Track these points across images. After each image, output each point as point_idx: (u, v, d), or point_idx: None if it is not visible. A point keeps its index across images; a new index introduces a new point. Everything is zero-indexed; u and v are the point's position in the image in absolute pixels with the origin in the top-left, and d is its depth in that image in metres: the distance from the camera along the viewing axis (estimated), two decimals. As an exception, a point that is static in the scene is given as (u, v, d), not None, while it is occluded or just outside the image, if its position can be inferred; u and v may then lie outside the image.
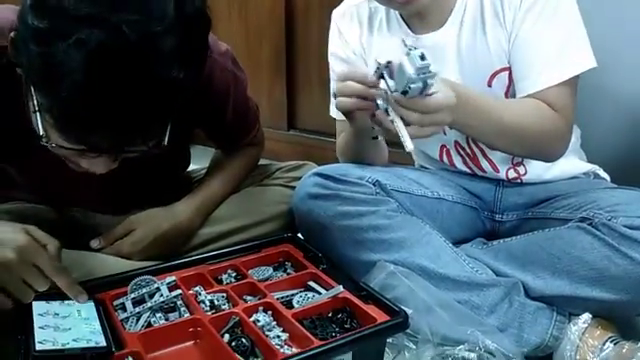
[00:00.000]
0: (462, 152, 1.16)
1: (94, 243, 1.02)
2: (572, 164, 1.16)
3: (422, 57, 0.79)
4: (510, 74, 1.06)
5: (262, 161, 1.30)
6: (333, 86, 1.20)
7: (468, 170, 1.18)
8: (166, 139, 0.78)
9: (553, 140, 1.04)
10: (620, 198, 1.00)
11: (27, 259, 0.78)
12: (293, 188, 1.16)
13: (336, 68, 1.20)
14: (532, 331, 0.96)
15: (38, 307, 0.79)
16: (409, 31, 1.10)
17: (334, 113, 1.20)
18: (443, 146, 1.18)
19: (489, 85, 1.07)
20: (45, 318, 0.77)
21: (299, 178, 1.19)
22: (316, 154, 1.74)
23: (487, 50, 1.05)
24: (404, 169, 1.20)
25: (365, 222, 1.04)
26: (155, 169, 1.04)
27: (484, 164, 1.15)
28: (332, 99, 1.21)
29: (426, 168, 1.27)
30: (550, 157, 1.08)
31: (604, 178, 1.19)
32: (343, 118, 1.16)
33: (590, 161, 1.21)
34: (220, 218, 1.12)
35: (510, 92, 1.08)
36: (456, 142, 1.15)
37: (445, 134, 1.14)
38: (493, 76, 1.07)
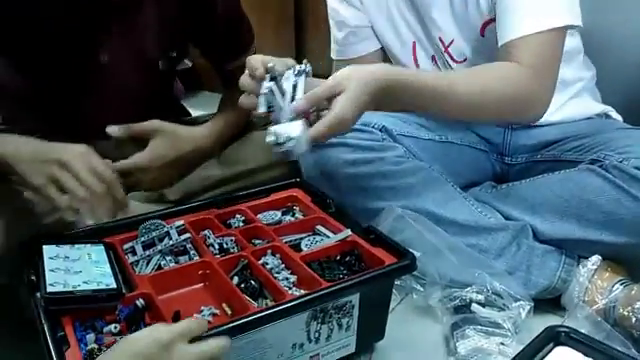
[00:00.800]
0: None
1: (112, 129, 0.97)
2: (584, 105, 1.13)
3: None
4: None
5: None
6: (333, 25, 1.18)
7: None
8: None
9: (523, 104, 0.94)
10: (632, 139, 0.98)
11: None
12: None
13: (333, 5, 1.17)
14: (540, 274, 0.96)
15: (48, 250, 0.80)
16: None
17: (335, 54, 1.19)
18: None
19: (482, 35, 1.04)
20: (55, 261, 0.78)
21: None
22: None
23: (475, 2, 1.01)
24: (409, 116, 1.18)
25: (372, 169, 1.03)
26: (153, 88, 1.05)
27: None
28: (332, 41, 1.19)
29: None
30: (525, 120, 1.04)
31: (616, 119, 1.16)
32: (342, 57, 1.15)
33: (603, 102, 1.18)
34: (227, 162, 1.12)
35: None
36: None
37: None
38: (484, 26, 1.03)
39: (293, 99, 0.83)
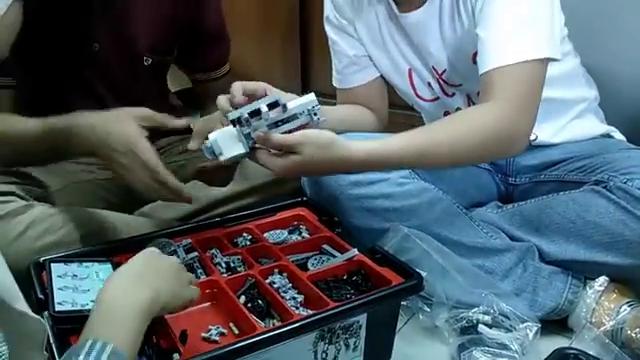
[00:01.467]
0: None
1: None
2: (588, 125, 1.14)
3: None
4: None
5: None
6: (333, 55, 1.19)
7: None
8: None
9: (507, 141, 0.89)
10: (636, 160, 0.99)
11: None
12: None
13: (331, 35, 1.19)
14: (547, 295, 0.96)
15: (56, 269, 0.80)
16: (394, 7, 1.07)
17: (336, 83, 1.20)
18: (447, 112, 1.15)
19: (474, 62, 1.01)
20: (64, 279, 0.78)
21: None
22: (330, 118, 1.72)
23: (465, 32, 1.01)
24: None
25: (376, 190, 1.03)
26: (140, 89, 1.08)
27: None
28: (333, 69, 1.20)
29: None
30: (509, 155, 1.03)
31: (620, 139, 1.16)
32: (345, 87, 1.16)
33: (607, 122, 1.19)
34: (234, 179, 1.11)
35: None
36: (458, 109, 1.13)
37: (445, 103, 1.13)
38: (475, 54, 1.02)
39: (276, 125, 0.82)
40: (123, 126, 0.87)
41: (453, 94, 1.11)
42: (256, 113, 0.81)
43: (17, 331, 0.48)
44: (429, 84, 1.12)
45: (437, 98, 1.13)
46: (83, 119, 0.89)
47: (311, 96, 0.84)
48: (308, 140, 0.80)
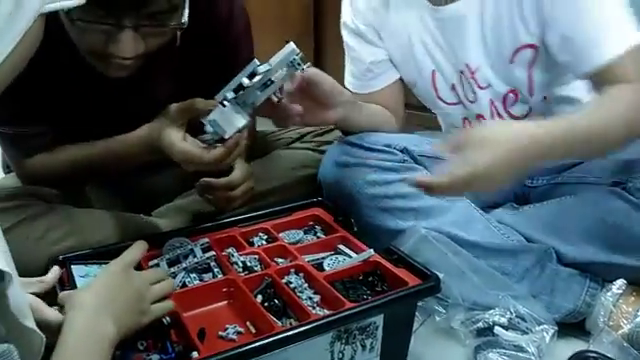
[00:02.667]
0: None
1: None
2: None
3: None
4: (536, 51, 1.00)
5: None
6: (349, 61, 1.18)
7: None
8: (185, 14, 0.82)
9: None
10: None
11: None
12: (323, 152, 1.16)
13: (348, 41, 1.17)
14: (564, 297, 0.95)
15: (78, 270, 0.82)
16: (427, 2, 1.05)
17: (352, 87, 1.18)
18: (465, 119, 1.15)
19: (511, 61, 1.03)
20: (86, 279, 0.79)
21: (328, 142, 1.19)
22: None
23: (516, 22, 0.99)
24: (433, 134, 1.19)
25: (393, 190, 1.03)
26: None
27: None
28: (347, 73, 1.19)
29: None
30: None
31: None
32: (360, 92, 1.15)
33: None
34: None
35: (534, 69, 1.03)
36: (479, 115, 1.12)
37: (466, 107, 1.11)
38: (517, 51, 1.02)
39: (266, 85, 0.85)
40: (164, 141, 0.90)
41: (474, 100, 1.09)
42: (240, 88, 0.84)
43: (18, 343, 0.50)
44: (453, 86, 1.11)
45: (459, 102, 1.12)
46: (147, 134, 0.94)
47: (290, 46, 0.85)
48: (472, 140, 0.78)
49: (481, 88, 1.08)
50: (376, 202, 1.04)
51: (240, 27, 1.06)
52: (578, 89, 1.05)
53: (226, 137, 0.86)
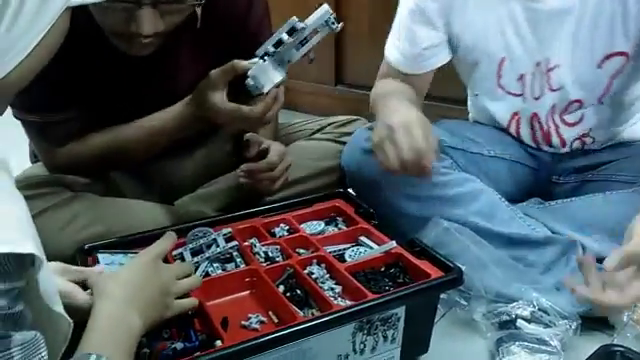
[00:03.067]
0: (536, 126, 1.12)
1: None
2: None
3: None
4: (627, 60, 0.99)
5: (310, 116, 1.30)
6: (399, 36, 1.13)
7: (533, 144, 1.14)
8: None
9: None
10: None
11: None
12: (343, 144, 1.16)
13: (406, 20, 1.12)
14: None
15: (104, 258, 0.83)
16: None
17: (395, 62, 1.14)
18: (515, 114, 1.12)
19: (599, 67, 1.01)
20: (112, 267, 0.80)
21: (350, 134, 1.19)
22: (364, 110, 1.71)
23: (616, 25, 0.96)
24: (459, 125, 1.18)
25: (417, 178, 1.03)
26: None
27: (554, 140, 1.12)
28: (394, 48, 1.14)
29: (481, 123, 1.23)
30: None
31: None
32: (411, 72, 1.12)
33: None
34: None
35: (617, 79, 1.01)
36: (534, 114, 1.10)
37: (525, 102, 1.09)
38: (607, 58, 1.00)
39: (302, 44, 0.90)
40: (208, 105, 0.93)
41: (539, 97, 1.08)
42: (279, 43, 0.88)
43: (50, 329, 0.52)
44: (521, 77, 1.08)
45: (521, 94, 1.10)
46: (187, 106, 0.97)
47: (324, 7, 0.89)
48: None
49: (552, 89, 1.06)
50: (400, 189, 1.04)
51: (260, 11, 1.07)
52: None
53: (265, 92, 0.91)
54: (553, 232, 1.01)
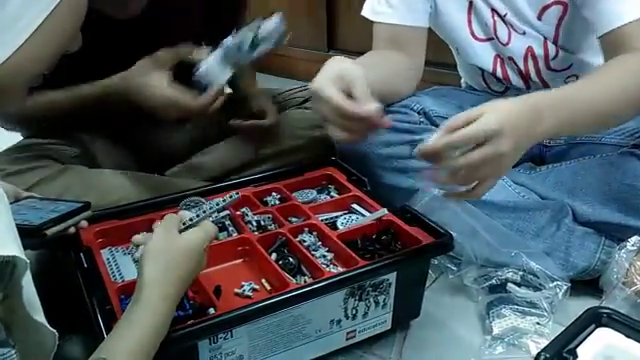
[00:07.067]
0: (515, 68, 1.11)
1: None
2: None
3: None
4: (565, 9, 0.99)
5: (299, 83, 1.28)
6: None
7: (523, 85, 1.12)
8: None
9: None
10: None
11: None
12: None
13: None
14: (579, 255, 0.95)
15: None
16: None
17: (381, 17, 1.09)
18: (497, 56, 1.11)
19: (539, 18, 1.00)
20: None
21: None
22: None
23: None
24: (450, 91, 1.17)
25: (408, 150, 1.02)
26: None
27: (536, 84, 1.11)
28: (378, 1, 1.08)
29: (473, 90, 1.23)
30: None
31: None
32: (392, 22, 1.08)
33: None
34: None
35: (561, 28, 1.01)
36: (509, 58, 1.10)
37: (504, 45, 1.08)
38: (545, 8, 1.00)
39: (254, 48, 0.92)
40: (146, 84, 0.92)
41: (508, 43, 1.07)
42: (235, 47, 0.92)
43: (28, 340, 0.49)
44: (486, 24, 1.08)
45: (491, 39, 1.09)
46: (125, 79, 0.95)
47: (278, 17, 0.93)
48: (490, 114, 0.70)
49: (518, 33, 1.06)
50: (391, 162, 1.04)
51: None
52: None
53: (211, 88, 0.93)
54: (544, 198, 1.01)
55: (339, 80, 0.76)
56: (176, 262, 0.65)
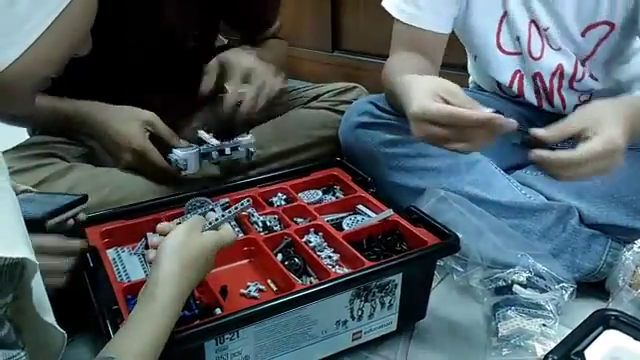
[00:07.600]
0: (539, 84, 1.10)
1: None
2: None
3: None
4: (611, 30, 0.98)
5: (303, 83, 1.28)
6: None
7: (535, 102, 1.13)
8: None
9: None
10: None
11: None
12: (340, 112, 1.15)
13: None
14: (585, 257, 0.95)
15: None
16: None
17: (407, 19, 1.05)
18: (517, 72, 1.11)
19: (582, 35, 1.00)
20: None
21: (347, 102, 1.18)
22: (362, 77, 1.69)
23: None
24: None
25: (414, 149, 1.02)
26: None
27: (556, 100, 1.11)
28: (405, 2, 1.05)
29: (481, 91, 1.22)
30: None
31: None
32: (417, 26, 1.05)
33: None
34: (265, 141, 1.11)
35: (599, 49, 1.01)
36: (536, 74, 1.09)
37: (534, 59, 1.07)
38: (590, 27, 0.99)
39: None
40: (129, 127, 0.98)
41: (539, 57, 1.06)
42: (219, 150, 0.99)
43: (37, 341, 0.48)
44: (518, 37, 1.06)
45: (519, 53, 1.08)
46: (100, 113, 1.00)
47: (251, 138, 1.00)
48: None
49: (554, 49, 1.05)
50: (397, 161, 1.03)
51: None
52: None
53: (184, 172, 0.99)
54: (549, 199, 1.01)
55: (435, 96, 0.75)
56: (192, 261, 0.65)
